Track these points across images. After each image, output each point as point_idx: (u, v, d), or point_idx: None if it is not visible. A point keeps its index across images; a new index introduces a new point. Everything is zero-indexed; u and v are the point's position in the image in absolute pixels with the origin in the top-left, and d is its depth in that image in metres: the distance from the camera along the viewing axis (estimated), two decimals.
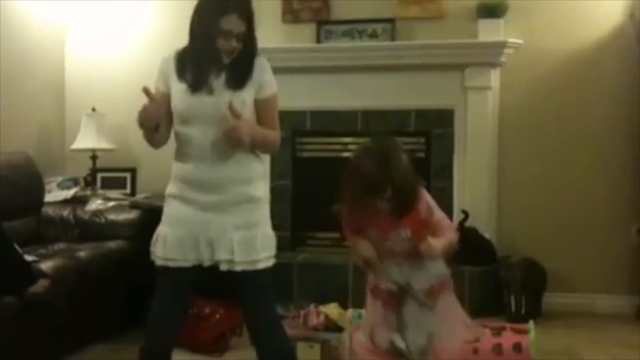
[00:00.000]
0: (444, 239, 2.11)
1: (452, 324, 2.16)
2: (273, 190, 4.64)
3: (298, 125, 4.59)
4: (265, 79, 2.37)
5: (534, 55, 4.30)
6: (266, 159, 4.37)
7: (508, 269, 4.04)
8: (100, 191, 4.38)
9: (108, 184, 4.57)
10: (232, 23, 2.27)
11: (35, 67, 4.58)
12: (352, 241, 2.20)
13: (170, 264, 2.35)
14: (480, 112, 4.33)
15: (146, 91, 2.28)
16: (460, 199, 4.36)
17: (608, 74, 4.23)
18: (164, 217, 2.43)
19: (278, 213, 4.60)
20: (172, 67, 2.38)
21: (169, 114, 2.38)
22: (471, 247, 4.12)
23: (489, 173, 4.34)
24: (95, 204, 4.05)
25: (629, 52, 4.17)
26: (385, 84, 4.42)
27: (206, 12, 2.31)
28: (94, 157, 4.59)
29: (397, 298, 2.11)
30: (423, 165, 4.42)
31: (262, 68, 2.37)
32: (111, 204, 4.06)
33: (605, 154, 4.25)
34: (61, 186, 4.33)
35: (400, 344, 2.09)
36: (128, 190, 4.58)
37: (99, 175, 4.60)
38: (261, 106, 2.38)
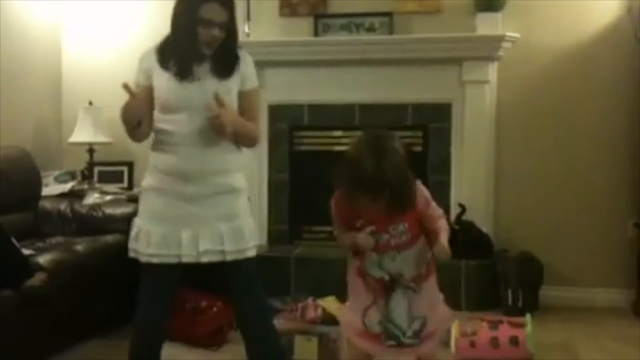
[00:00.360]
0: (444, 232, 2.10)
1: (437, 306, 2.18)
2: (270, 184, 4.67)
3: (296, 120, 4.59)
4: (248, 72, 2.43)
5: (531, 50, 4.30)
6: (261, 152, 4.45)
7: (505, 263, 4.04)
8: (97, 185, 4.38)
9: (105, 177, 4.56)
10: (213, 12, 2.28)
11: (32, 62, 4.57)
12: (343, 233, 2.18)
13: (155, 260, 2.34)
14: (477, 106, 4.33)
15: (126, 87, 2.27)
16: (457, 193, 4.36)
17: (605, 69, 4.23)
18: (141, 211, 2.42)
19: (275, 207, 4.63)
20: (153, 59, 2.39)
21: (151, 108, 2.38)
22: (468, 241, 4.13)
23: (486, 167, 4.35)
24: (92, 198, 4.04)
25: (627, 47, 4.16)
26: (382, 77, 4.42)
27: (187, 1, 2.33)
28: (91, 151, 4.59)
29: (387, 287, 2.11)
30: (420, 159, 4.43)
31: (247, 61, 2.43)
32: (108, 197, 4.06)
33: (603, 148, 4.25)
34: (58, 180, 4.33)
35: (396, 330, 2.09)
36: (125, 184, 4.58)
37: (96, 169, 4.60)
38: (242, 97, 2.41)
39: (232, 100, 2.36)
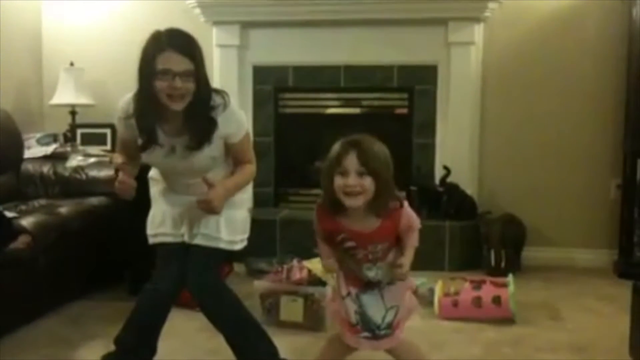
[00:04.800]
0: (411, 249, 2.07)
1: (406, 295, 2.18)
2: (255, 147, 4.62)
3: (280, 82, 4.55)
4: (231, 131, 2.29)
5: (517, 11, 4.27)
6: (246, 114, 4.42)
7: (488, 224, 4.08)
8: (80, 147, 4.34)
9: (88, 140, 4.51)
10: (170, 61, 2.12)
11: (12, 21, 4.46)
12: (322, 242, 2.16)
13: (160, 239, 2.42)
14: (463, 67, 4.31)
15: (121, 167, 2.27)
16: (442, 155, 4.37)
17: (591, 30, 4.22)
18: (151, 197, 2.49)
19: (260, 170, 4.56)
20: (131, 112, 2.28)
21: (134, 150, 2.34)
22: (452, 203, 4.16)
23: (471, 129, 4.35)
24: (75, 160, 4.00)
25: (613, 7, 4.15)
26: (368, 39, 4.38)
27: (144, 55, 2.18)
28: (73, 113, 4.53)
29: (364, 285, 2.13)
30: (405, 121, 4.43)
31: (227, 121, 2.26)
32: (92, 160, 4.02)
33: (587, 110, 4.27)
34: (40, 142, 4.27)
35: (370, 324, 2.11)
36: (108, 147, 4.54)
37: (79, 132, 4.55)
38: (231, 148, 2.34)
39: (218, 159, 2.33)
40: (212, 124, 2.23)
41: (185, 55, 2.14)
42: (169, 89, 2.14)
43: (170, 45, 2.13)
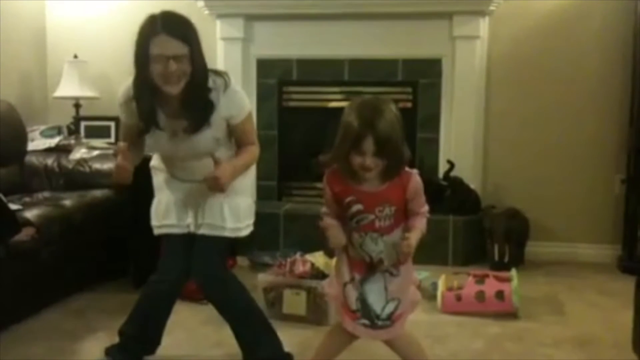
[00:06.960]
0: (418, 231, 2.08)
1: (409, 289, 2.18)
2: (259, 140, 4.61)
3: (285, 75, 4.54)
4: (234, 112, 2.29)
5: (523, 4, 4.26)
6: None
7: (492, 219, 4.08)
8: (84, 140, 4.34)
9: (92, 132, 4.51)
10: (162, 45, 2.12)
11: (16, 13, 4.47)
12: (327, 213, 2.16)
13: (164, 230, 2.42)
14: (468, 62, 4.30)
15: (121, 151, 2.25)
16: (446, 150, 4.36)
17: (597, 25, 4.20)
18: (154, 187, 2.49)
19: (264, 163, 4.60)
20: (132, 95, 2.29)
21: (138, 137, 2.34)
22: (456, 197, 4.15)
23: (475, 123, 4.34)
24: (79, 153, 4.01)
25: (619, 3, 4.13)
26: (372, 32, 4.37)
27: (139, 39, 2.18)
28: (77, 106, 4.53)
29: (367, 267, 2.12)
30: (410, 115, 4.41)
31: (229, 102, 2.27)
32: (96, 152, 4.02)
33: (592, 105, 4.25)
34: (44, 135, 4.29)
35: (370, 312, 2.11)
36: (112, 139, 4.54)
37: (83, 124, 4.55)
38: (234, 129, 2.34)
39: (221, 137, 2.32)
40: (208, 106, 2.23)
41: (180, 38, 2.14)
42: (164, 72, 2.14)
43: (164, 29, 2.13)
